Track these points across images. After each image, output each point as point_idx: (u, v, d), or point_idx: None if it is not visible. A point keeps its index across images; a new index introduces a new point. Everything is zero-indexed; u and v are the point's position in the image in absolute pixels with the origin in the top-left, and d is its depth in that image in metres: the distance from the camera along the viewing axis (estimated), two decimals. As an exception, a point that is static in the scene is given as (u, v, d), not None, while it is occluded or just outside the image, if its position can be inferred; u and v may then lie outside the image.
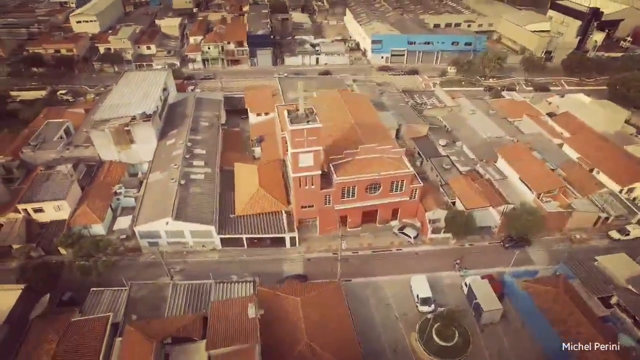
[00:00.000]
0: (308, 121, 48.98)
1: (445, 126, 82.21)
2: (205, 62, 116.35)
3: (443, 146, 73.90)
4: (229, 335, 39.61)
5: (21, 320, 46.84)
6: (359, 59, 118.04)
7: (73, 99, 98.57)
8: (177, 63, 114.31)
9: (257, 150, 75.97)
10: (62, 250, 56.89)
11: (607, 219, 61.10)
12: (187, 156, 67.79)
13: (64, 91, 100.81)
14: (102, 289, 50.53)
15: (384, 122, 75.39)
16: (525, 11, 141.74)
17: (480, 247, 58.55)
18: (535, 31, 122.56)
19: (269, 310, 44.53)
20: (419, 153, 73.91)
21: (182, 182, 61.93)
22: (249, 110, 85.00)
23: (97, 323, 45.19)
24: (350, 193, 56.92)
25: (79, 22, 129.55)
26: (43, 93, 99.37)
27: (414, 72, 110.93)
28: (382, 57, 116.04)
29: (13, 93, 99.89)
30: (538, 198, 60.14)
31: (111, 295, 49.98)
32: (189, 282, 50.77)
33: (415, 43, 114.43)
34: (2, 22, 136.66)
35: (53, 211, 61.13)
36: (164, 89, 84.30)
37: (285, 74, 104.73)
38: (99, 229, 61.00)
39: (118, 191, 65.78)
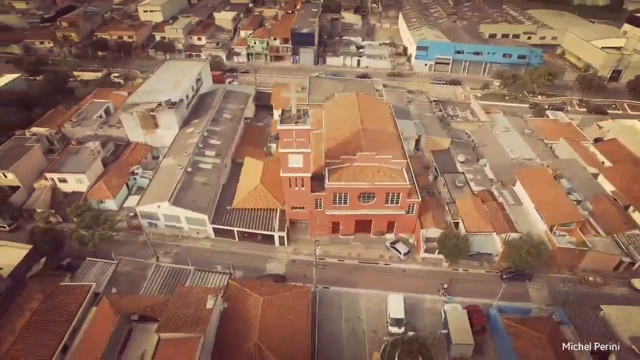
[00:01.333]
0: (296, 122, 48.57)
1: (473, 142, 77.51)
2: (250, 56, 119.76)
3: (461, 162, 69.79)
4: (180, 322, 40.57)
5: (22, 277, 51.68)
6: (402, 64, 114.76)
7: (124, 82, 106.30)
8: (223, 55, 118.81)
9: (274, 147, 76.89)
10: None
11: (632, 264, 53.97)
12: (200, 145, 70.32)
13: (117, 74, 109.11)
14: (95, 260, 54.19)
15: (404, 131, 72.89)
16: (598, 24, 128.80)
17: (475, 275, 54.52)
18: (605, 47, 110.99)
19: (233, 305, 45.03)
20: (436, 167, 70.47)
21: (189, 169, 64.41)
22: (273, 107, 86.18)
23: (79, 290, 48.57)
24: (342, 199, 55.68)
25: (145, 11, 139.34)
26: (99, 75, 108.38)
27: (456, 82, 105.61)
28: (426, 65, 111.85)
29: (75, 73, 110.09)
30: (550, 230, 54.64)
31: (102, 267, 53.42)
32: (170, 266, 52.85)
33: (463, 52, 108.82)
34: (83, 10, 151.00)
35: (75, 183, 66.52)
36: (198, 80, 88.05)
37: (318, 74, 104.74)
38: (111, 204, 65.48)
39: (136, 171, 70.00)
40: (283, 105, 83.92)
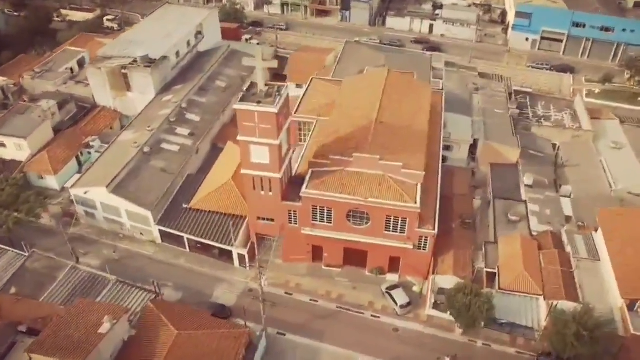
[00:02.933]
0: (259, 102, 48.63)
1: (560, 158, 72.38)
2: (285, 8, 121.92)
3: (528, 186, 65.56)
4: (59, 344, 42.61)
5: None
6: (492, 36, 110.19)
7: (117, 28, 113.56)
8: (251, 3, 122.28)
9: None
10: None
11: None
12: (172, 120, 73.07)
13: (111, 17, 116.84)
14: (7, 249, 58.89)
15: (453, 132, 70.30)
16: None
17: (498, 354, 50.85)
18: None
19: (142, 334, 46.61)
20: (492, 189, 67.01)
21: (146, 150, 67.25)
22: (287, 78, 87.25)
23: (-30, 285, 53.11)
24: (325, 216, 54.96)
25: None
26: (91, 16, 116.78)
27: (567, 69, 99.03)
28: (527, 39, 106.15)
29: (64, 11, 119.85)
30: (630, 308, 49.42)
31: (10, 258, 57.94)
32: (89, 271, 55.92)
33: (584, 26, 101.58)
34: None
35: (14, 149, 72.46)
36: (198, 33, 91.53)
37: (360, 39, 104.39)
38: (52, 181, 70.48)
39: (91, 143, 74.59)
40: (300, 78, 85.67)
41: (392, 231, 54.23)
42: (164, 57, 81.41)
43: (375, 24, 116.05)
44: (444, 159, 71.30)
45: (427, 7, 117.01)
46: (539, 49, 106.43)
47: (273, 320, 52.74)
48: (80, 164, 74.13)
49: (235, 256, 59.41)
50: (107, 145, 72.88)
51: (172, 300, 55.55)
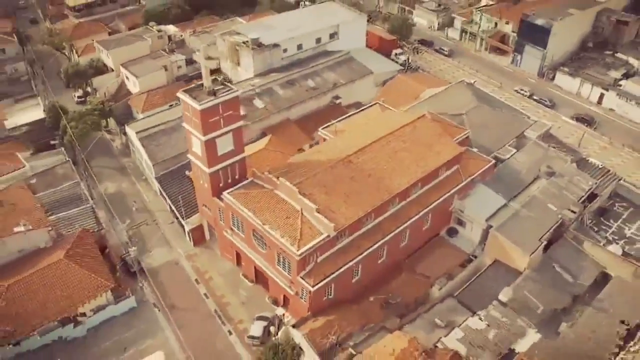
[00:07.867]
0: (190, 94, 50.20)
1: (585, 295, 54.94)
2: (463, 35, 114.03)
3: (500, 302, 52.08)
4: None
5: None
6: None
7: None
8: (435, 21, 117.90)
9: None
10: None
11: None
12: (235, 99, 78.31)
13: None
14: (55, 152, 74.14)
15: (469, 207, 60.86)
16: None
17: None
18: None
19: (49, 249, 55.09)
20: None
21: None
22: (377, 97, 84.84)
23: None
24: (239, 227, 54.50)
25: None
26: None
27: None
28: None
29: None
30: None
31: (55, 160, 72.30)
32: (83, 190, 66.39)
33: None
34: None
35: (133, 84, 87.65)
36: (333, 34, 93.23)
37: (517, 88, 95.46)
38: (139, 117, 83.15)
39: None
40: (387, 100, 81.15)
41: (283, 269, 51.06)
42: (275, 45, 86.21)
43: (543, 76, 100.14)
44: (453, 232, 62.40)
45: (614, 72, 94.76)
46: None
47: (161, 293, 56.96)
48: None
49: (186, 231, 63.07)
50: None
51: (116, 244, 62.88)
